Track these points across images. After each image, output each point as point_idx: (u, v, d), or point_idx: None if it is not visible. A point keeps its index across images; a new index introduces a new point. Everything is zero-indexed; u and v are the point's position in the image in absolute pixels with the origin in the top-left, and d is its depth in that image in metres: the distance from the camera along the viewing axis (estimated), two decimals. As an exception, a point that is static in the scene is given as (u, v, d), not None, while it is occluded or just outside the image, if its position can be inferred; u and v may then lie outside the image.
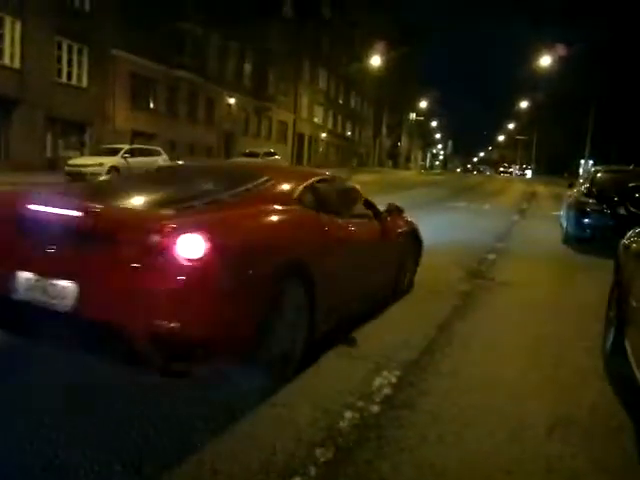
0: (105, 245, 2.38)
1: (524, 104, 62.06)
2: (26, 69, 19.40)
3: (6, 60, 19.01)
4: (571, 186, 10.71)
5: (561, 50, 31.71)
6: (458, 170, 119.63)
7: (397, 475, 2.14)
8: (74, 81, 21.85)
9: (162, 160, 20.94)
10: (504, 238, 9.55)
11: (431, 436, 2.43)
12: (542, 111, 62.99)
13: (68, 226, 2.47)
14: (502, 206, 17.40)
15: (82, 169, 17.02)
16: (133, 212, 2.80)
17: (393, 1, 59.00)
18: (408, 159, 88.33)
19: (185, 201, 2.87)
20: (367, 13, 52.09)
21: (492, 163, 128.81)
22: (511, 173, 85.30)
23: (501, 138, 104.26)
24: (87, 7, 21.78)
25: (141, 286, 2.29)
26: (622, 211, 7.92)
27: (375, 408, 2.70)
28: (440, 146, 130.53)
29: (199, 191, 3.17)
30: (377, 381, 3.04)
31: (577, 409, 2.84)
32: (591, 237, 8.36)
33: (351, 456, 2.24)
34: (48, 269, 2.43)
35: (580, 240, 8.60)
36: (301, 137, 44.05)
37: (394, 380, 3.06)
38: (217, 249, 2.32)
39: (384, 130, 70.68)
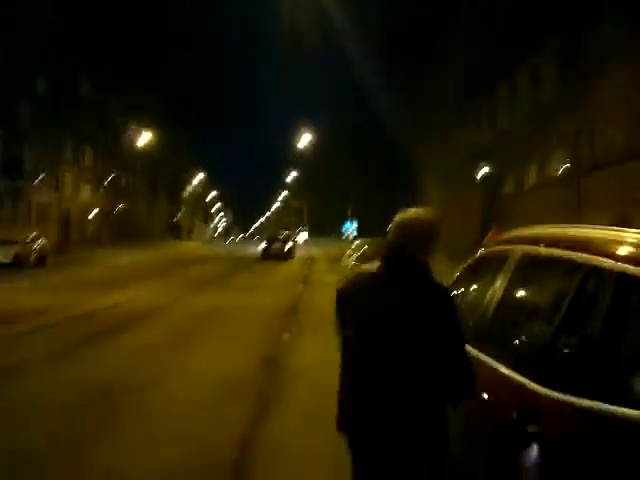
0: None
1: (293, 174, 67.83)
2: None
3: None
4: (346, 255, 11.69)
5: (312, 131, 36.24)
6: (240, 237, 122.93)
7: None
8: None
9: None
10: (295, 312, 9.78)
11: None
12: (309, 180, 69.64)
13: None
14: (288, 275, 18.08)
15: None
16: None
17: (160, 78, 59.34)
18: (190, 231, 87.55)
19: None
20: (133, 90, 51.30)
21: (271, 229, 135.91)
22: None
23: (276, 206, 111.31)
24: None
25: None
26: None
27: None
28: (221, 215, 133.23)
29: None
30: None
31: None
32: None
33: None
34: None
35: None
36: (67, 217, 39.96)
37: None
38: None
39: (161, 204, 69.07)
